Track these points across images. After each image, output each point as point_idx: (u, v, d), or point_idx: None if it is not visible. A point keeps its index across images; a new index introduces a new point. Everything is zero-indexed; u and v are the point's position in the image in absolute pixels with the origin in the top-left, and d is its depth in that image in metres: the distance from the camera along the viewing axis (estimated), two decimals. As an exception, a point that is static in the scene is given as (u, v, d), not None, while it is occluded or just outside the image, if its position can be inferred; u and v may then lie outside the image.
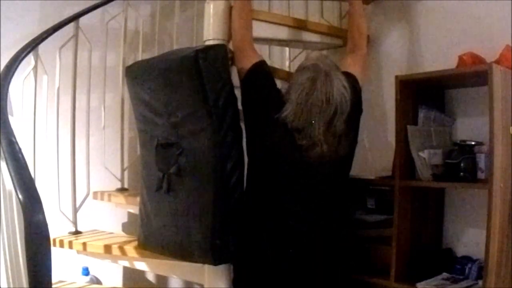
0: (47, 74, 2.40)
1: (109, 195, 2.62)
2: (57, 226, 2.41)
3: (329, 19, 2.46)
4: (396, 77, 2.04)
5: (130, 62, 2.47)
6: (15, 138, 1.51)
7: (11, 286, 1.50)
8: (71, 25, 2.46)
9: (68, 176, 2.47)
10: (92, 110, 2.63)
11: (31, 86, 2.31)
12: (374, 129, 2.44)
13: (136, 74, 2.10)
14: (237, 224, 1.85)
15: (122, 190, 2.71)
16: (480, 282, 1.84)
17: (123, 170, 2.73)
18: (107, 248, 2.31)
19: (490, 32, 2.04)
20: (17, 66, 2.06)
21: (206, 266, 1.96)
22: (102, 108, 2.70)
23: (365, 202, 2.28)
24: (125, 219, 2.95)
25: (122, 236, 2.58)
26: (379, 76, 2.45)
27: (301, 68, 1.83)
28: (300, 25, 2.24)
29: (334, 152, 1.77)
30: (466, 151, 1.92)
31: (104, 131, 2.70)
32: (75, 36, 2.48)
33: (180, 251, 1.95)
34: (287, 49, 2.81)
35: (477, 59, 1.98)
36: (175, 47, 2.68)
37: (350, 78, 1.87)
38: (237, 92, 1.91)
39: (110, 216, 2.86)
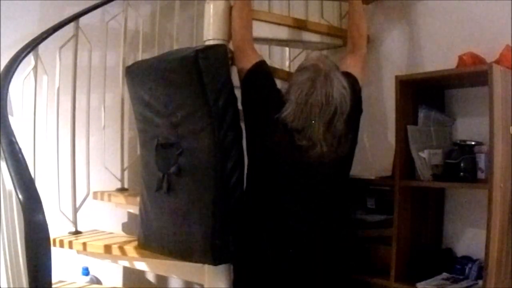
0: (47, 74, 2.40)
1: (109, 195, 2.62)
2: (57, 226, 2.41)
3: (329, 19, 2.46)
4: (396, 77, 2.04)
5: (130, 62, 2.47)
6: (15, 138, 1.51)
7: (11, 286, 1.50)
8: (71, 25, 2.46)
9: (68, 176, 2.47)
10: (92, 110, 2.63)
11: (31, 86, 2.31)
12: (374, 129, 2.44)
13: (136, 74, 2.10)
14: (237, 224, 1.85)
15: (122, 190, 2.71)
16: (480, 282, 1.84)
17: (123, 170, 2.73)
18: (107, 248, 2.31)
19: (490, 32, 2.04)
20: (17, 66, 2.06)
21: (206, 266, 1.96)
22: (102, 108, 2.70)
23: (365, 202, 2.28)
24: (125, 219, 2.95)
25: (122, 236, 2.58)
26: (379, 76, 2.45)
27: (301, 68, 1.83)
28: (300, 25, 2.24)
29: (334, 152, 1.77)
30: (466, 151, 1.92)
31: (104, 131, 2.70)
32: (75, 36, 2.48)
33: (180, 251, 1.95)
34: (287, 49, 2.81)
35: (477, 59, 1.98)
36: (175, 47, 2.68)
37: (350, 78, 1.87)
38: (237, 92, 1.91)
39: (110, 216, 2.86)
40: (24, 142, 2.12)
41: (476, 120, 2.07)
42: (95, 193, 2.66)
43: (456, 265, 2.00)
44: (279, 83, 2.08)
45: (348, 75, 1.87)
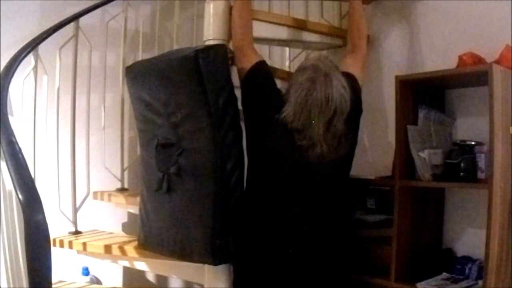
0: (47, 74, 2.40)
1: (109, 195, 2.62)
2: (57, 226, 2.41)
3: (329, 19, 2.46)
4: (396, 77, 2.04)
5: (130, 62, 2.47)
6: (15, 138, 1.51)
7: (11, 286, 1.50)
8: (71, 25, 2.46)
9: (68, 176, 2.47)
10: (92, 110, 2.63)
11: (31, 86, 2.31)
12: (374, 129, 2.44)
13: (136, 74, 2.10)
14: (237, 224, 1.85)
15: (122, 190, 2.71)
16: (480, 282, 1.84)
17: (123, 170, 2.73)
18: (107, 248, 2.31)
19: (490, 32, 2.04)
20: (17, 66, 2.06)
21: (206, 266, 1.96)
22: (102, 108, 2.70)
23: (365, 202, 2.28)
24: (125, 219, 2.95)
25: (122, 236, 2.58)
26: (379, 76, 2.45)
27: (301, 69, 1.83)
28: (300, 25, 2.24)
29: (334, 152, 1.77)
30: (466, 151, 1.92)
31: (104, 131, 2.70)
32: (75, 36, 2.48)
33: (180, 251, 1.95)
34: (287, 49, 2.81)
35: (477, 59, 1.98)
36: (175, 47, 2.68)
37: (350, 78, 1.87)
38: (237, 92, 1.91)
39: (110, 216, 2.86)
40: (24, 142, 2.12)
41: (476, 120, 2.07)
42: (95, 193, 2.66)
43: (456, 265, 1.99)
44: (279, 83, 2.08)
45: (348, 75, 1.87)
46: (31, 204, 1.29)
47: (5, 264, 1.52)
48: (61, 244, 2.38)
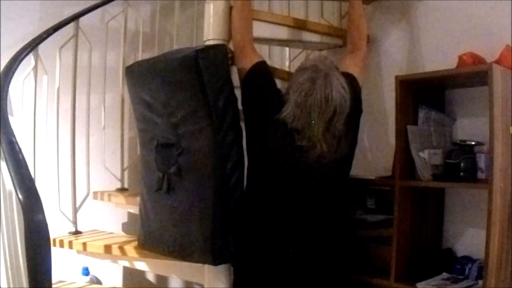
0: (47, 74, 2.40)
1: (109, 195, 2.62)
2: (57, 226, 2.41)
3: (329, 19, 2.46)
4: (396, 77, 2.04)
5: (130, 62, 2.47)
6: (15, 138, 1.51)
7: (11, 286, 1.50)
8: (71, 25, 2.46)
9: (68, 176, 2.47)
10: (92, 110, 2.63)
11: (31, 86, 2.31)
12: (374, 129, 2.44)
13: (136, 74, 2.10)
14: (237, 224, 1.85)
15: (122, 190, 2.71)
16: (480, 282, 1.84)
17: (123, 170, 2.73)
18: (107, 248, 2.31)
19: (490, 32, 2.04)
20: (17, 66, 2.06)
21: (206, 266, 1.96)
22: (102, 108, 2.69)
23: (365, 202, 2.28)
24: (125, 219, 2.95)
25: (122, 236, 2.58)
26: (379, 76, 2.45)
27: (301, 69, 1.83)
28: (300, 25, 2.24)
29: (334, 152, 1.77)
30: (466, 151, 1.92)
31: (104, 131, 2.70)
32: (75, 36, 2.48)
33: (180, 251, 1.95)
34: (287, 49, 2.81)
35: (477, 59, 1.98)
36: (175, 47, 2.68)
37: (350, 78, 1.87)
38: (237, 92, 1.91)
39: (110, 216, 2.86)
40: (24, 142, 2.12)
41: (476, 120, 2.07)
42: (95, 193, 2.66)
43: (456, 265, 2.00)
44: (279, 83, 2.08)
45: (347, 76, 1.87)
46: (31, 204, 1.29)
47: (5, 264, 1.52)
48: (61, 244, 2.38)
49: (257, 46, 2.01)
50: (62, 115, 2.45)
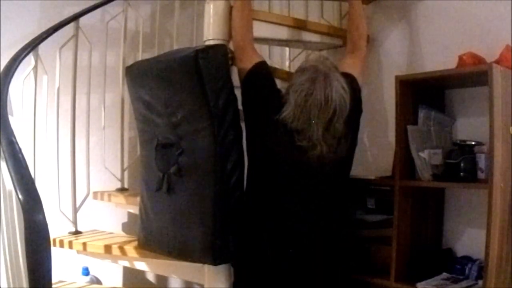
0: (47, 74, 2.40)
1: (109, 195, 2.62)
2: (57, 226, 2.41)
3: (329, 19, 2.46)
4: (396, 77, 2.04)
5: (130, 62, 2.47)
6: (15, 138, 1.50)
7: (11, 286, 1.50)
8: (71, 25, 2.46)
9: (68, 176, 2.47)
10: (92, 110, 2.63)
11: (31, 86, 2.31)
12: (374, 129, 2.44)
13: (136, 74, 2.10)
14: (237, 224, 1.85)
15: (122, 190, 2.71)
16: (480, 282, 1.85)
17: (123, 170, 2.73)
18: (107, 248, 2.31)
19: (490, 32, 2.04)
20: (17, 66, 2.06)
21: (206, 266, 1.96)
22: (102, 108, 2.70)
23: (365, 202, 2.28)
24: (125, 219, 2.95)
25: (122, 236, 2.58)
26: (379, 76, 2.45)
27: (301, 69, 1.83)
28: (300, 25, 2.24)
29: (334, 152, 1.77)
30: (466, 151, 1.92)
31: (104, 131, 2.70)
32: (75, 36, 2.48)
33: (180, 251, 1.95)
34: (287, 49, 2.81)
35: (477, 59, 1.98)
36: (175, 47, 2.68)
37: (349, 78, 1.87)
38: (237, 92, 1.91)
39: (110, 216, 2.86)
40: (24, 142, 2.12)
41: (476, 120, 2.07)
42: (95, 193, 2.66)
43: (456, 265, 2.00)
44: (279, 83, 2.08)
45: (347, 76, 1.87)
46: (31, 204, 1.29)
47: (5, 264, 1.52)
48: (61, 244, 2.38)
49: (257, 46, 2.01)
50: (62, 115, 2.45)
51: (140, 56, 2.74)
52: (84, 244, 2.35)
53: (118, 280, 2.98)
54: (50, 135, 2.45)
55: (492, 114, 1.75)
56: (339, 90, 1.73)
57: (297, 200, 1.84)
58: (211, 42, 1.96)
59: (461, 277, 1.94)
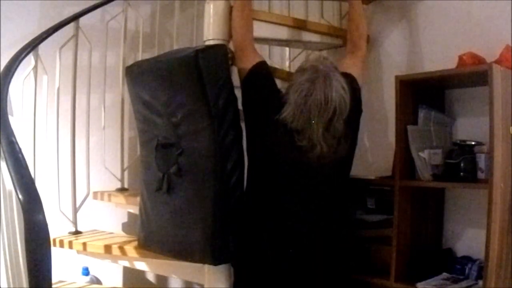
0: (47, 74, 2.40)
1: (109, 195, 2.62)
2: (57, 226, 2.41)
3: (329, 19, 2.46)
4: (396, 77, 2.04)
5: (130, 62, 2.47)
6: (15, 138, 1.51)
7: (11, 286, 1.50)
8: (71, 25, 2.46)
9: (68, 176, 2.47)
10: (92, 110, 2.63)
11: (31, 86, 2.31)
12: (374, 129, 2.44)
13: (136, 74, 2.10)
14: (237, 224, 1.85)
15: (122, 190, 2.71)
16: (480, 282, 1.85)
17: (123, 170, 2.73)
18: (107, 248, 2.31)
19: (490, 32, 2.04)
20: (17, 66, 2.06)
21: (206, 266, 1.96)
22: (102, 108, 2.70)
23: (365, 202, 2.28)
24: (125, 219, 2.95)
25: (122, 236, 2.58)
26: (379, 76, 2.45)
27: (300, 70, 1.83)
28: (300, 25, 2.24)
29: (334, 152, 1.77)
30: (466, 151, 1.92)
31: (104, 131, 2.70)
32: (75, 36, 2.48)
33: (180, 251, 1.95)
34: (287, 49, 2.81)
35: (477, 59, 1.98)
36: (175, 47, 2.68)
37: (349, 78, 1.87)
38: (237, 92, 1.91)
39: (110, 216, 2.86)
40: (24, 142, 2.12)
41: (476, 120, 2.07)
42: (95, 193, 2.66)
43: (456, 265, 2.00)
44: (279, 83, 2.08)
45: (347, 76, 1.87)
46: (31, 204, 1.29)
47: (5, 264, 1.52)
48: (61, 244, 2.38)
49: (257, 46, 2.01)
50: (62, 115, 2.45)
51: (140, 56, 2.74)
52: (84, 244, 2.35)
53: (118, 280, 2.98)
54: (50, 135, 2.45)
55: (492, 114, 1.75)
56: (339, 90, 1.73)
57: (297, 200, 1.84)
58: (211, 42, 1.96)
59: (461, 277, 1.94)
